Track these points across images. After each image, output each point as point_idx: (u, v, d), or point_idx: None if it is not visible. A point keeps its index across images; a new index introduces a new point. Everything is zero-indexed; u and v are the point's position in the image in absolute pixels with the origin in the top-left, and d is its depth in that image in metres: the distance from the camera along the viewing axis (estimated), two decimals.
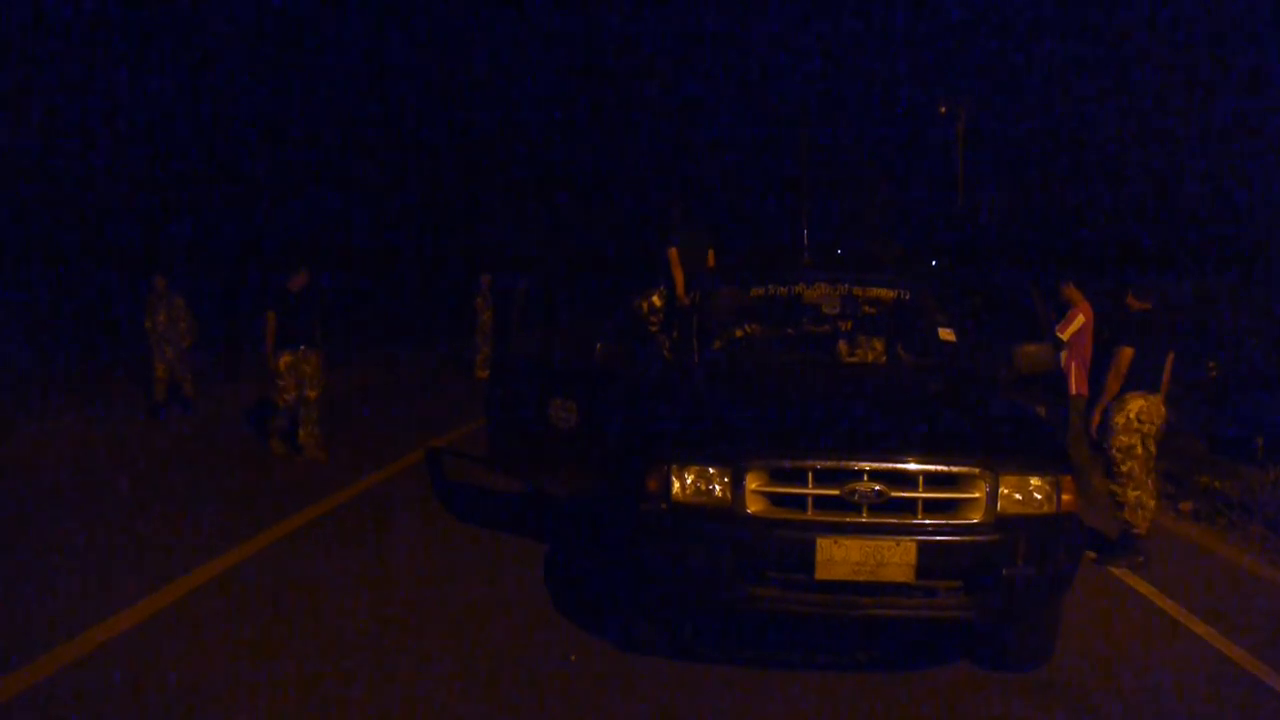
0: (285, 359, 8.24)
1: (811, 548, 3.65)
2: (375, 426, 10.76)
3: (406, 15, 30.74)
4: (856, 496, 3.68)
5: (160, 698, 3.82)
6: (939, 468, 3.74)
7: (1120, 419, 5.68)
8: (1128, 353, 5.61)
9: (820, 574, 3.67)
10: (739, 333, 5.70)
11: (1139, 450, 5.72)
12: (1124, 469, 5.70)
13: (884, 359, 5.41)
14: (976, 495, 3.71)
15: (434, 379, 15.87)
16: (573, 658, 4.27)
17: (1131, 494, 5.69)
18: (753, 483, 3.75)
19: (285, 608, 4.86)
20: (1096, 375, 6.82)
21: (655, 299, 7.16)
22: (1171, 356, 5.87)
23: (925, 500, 3.71)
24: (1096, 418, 5.83)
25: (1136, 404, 5.68)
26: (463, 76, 31.73)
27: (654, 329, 6.80)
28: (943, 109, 22.52)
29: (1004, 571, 3.65)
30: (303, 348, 8.26)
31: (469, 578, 5.39)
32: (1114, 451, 5.72)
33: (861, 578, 3.66)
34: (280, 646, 4.34)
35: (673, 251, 7.33)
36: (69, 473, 8.12)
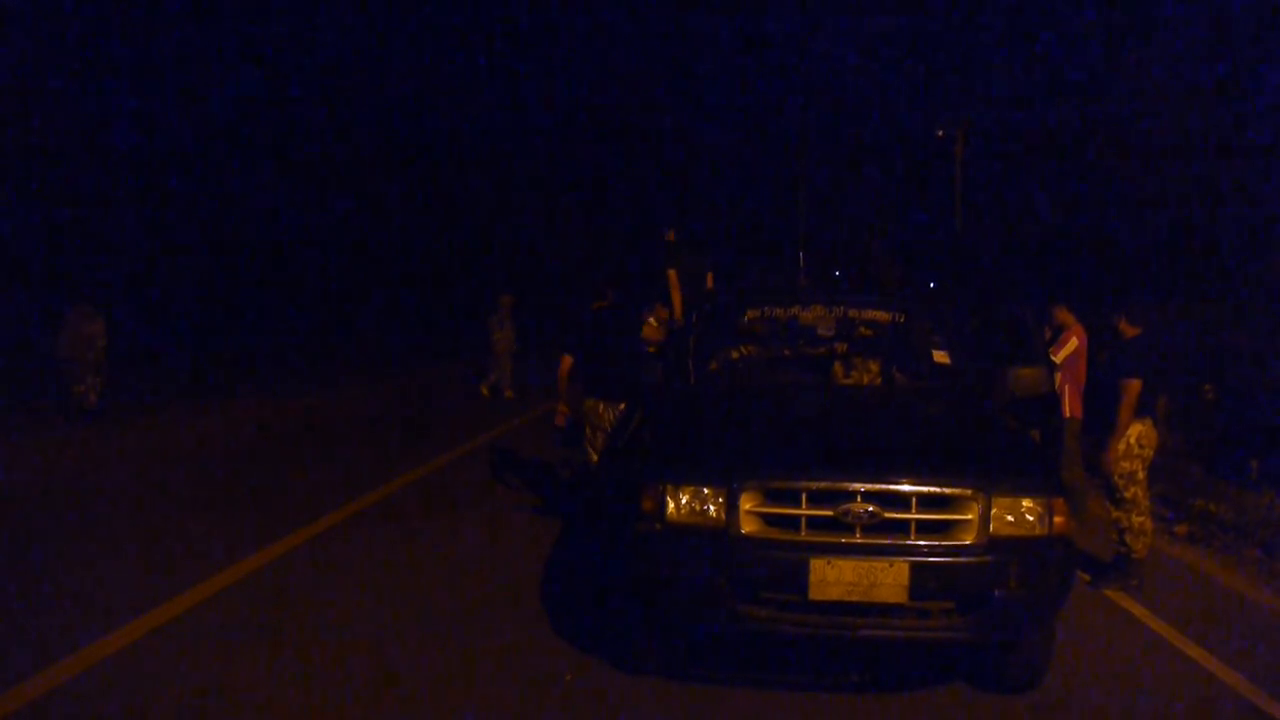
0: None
1: (805, 568, 3.67)
2: (389, 440, 10.78)
3: (407, 29, 31.07)
4: (850, 517, 3.71)
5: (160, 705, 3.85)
6: (932, 489, 3.77)
7: (1121, 445, 5.69)
8: (1136, 385, 5.56)
9: (814, 594, 3.68)
10: (735, 354, 5.74)
11: (1141, 475, 5.74)
12: (1128, 495, 5.69)
13: (879, 381, 5.44)
14: (969, 517, 3.73)
15: (451, 394, 15.95)
16: (569, 676, 4.28)
17: (1136, 520, 5.70)
18: (747, 503, 3.77)
19: (289, 614, 4.95)
20: (1091, 399, 6.84)
21: (652, 320, 7.21)
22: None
23: (918, 521, 3.74)
24: (1122, 448, 5.64)
25: (1135, 429, 5.68)
26: (468, 96, 32.05)
27: (651, 350, 6.84)
28: (940, 132, 22.64)
29: (996, 593, 3.67)
30: None
31: (467, 595, 5.38)
32: (1116, 478, 5.72)
33: (855, 598, 3.68)
34: (280, 656, 4.37)
35: (672, 274, 7.39)
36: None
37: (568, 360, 6.69)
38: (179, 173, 23.02)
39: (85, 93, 20.26)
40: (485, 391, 15.05)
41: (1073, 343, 7.24)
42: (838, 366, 5.50)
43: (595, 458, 6.43)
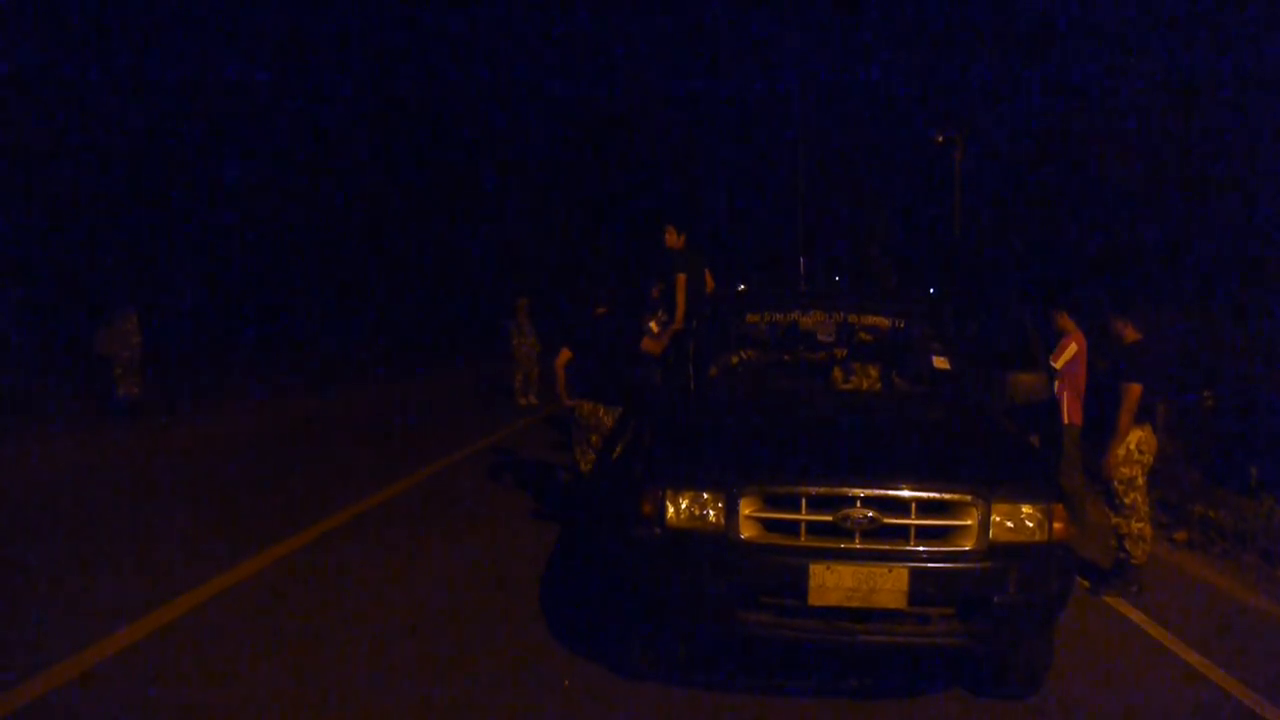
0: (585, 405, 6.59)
1: (804, 573, 3.67)
2: (392, 442, 10.79)
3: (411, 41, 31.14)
4: (849, 522, 3.71)
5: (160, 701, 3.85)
6: (932, 495, 3.77)
7: (1121, 451, 5.69)
8: (1137, 390, 5.56)
9: (813, 600, 3.68)
10: (735, 359, 5.75)
11: (1140, 481, 5.74)
12: (1127, 501, 5.70)
13: (879, 386, 5.45)
14: (968, 523, 3.74)
15: (454, 397, 15.93)
16: (566, 683, 4.28)
17: (1135, 525, 5.70)
18: (747, 508, 3.78)
19: (290, 615, 4.96)
20: (1091, 405, 6.85)
21: (653, 324, 7.21)
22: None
23: (918, 527, 3.74)
24: (1121, 453, 5.65)
25: (1135, 435, 5.69)
26: (475, 103, 32.14)
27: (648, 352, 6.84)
28: (940, 138, 22.63)
29: (995, 599, 3.67)
30: None
31: (466, 599, 5.40)
32: (1116, 484, 5.72)
33: (854, 604, 3.68)
34: (280, 657, 4.38)
35: (680, 278, 7.37)
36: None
37: (566, 353, 6.71)
38: (181, 173, 23.01)
39: (82, 93, 20.26)
40: (534, 401, 14.31)
41: (1072, 348, 7.25)
42: (837, 371, 5.51)
43: (590, 461, 6.46)
